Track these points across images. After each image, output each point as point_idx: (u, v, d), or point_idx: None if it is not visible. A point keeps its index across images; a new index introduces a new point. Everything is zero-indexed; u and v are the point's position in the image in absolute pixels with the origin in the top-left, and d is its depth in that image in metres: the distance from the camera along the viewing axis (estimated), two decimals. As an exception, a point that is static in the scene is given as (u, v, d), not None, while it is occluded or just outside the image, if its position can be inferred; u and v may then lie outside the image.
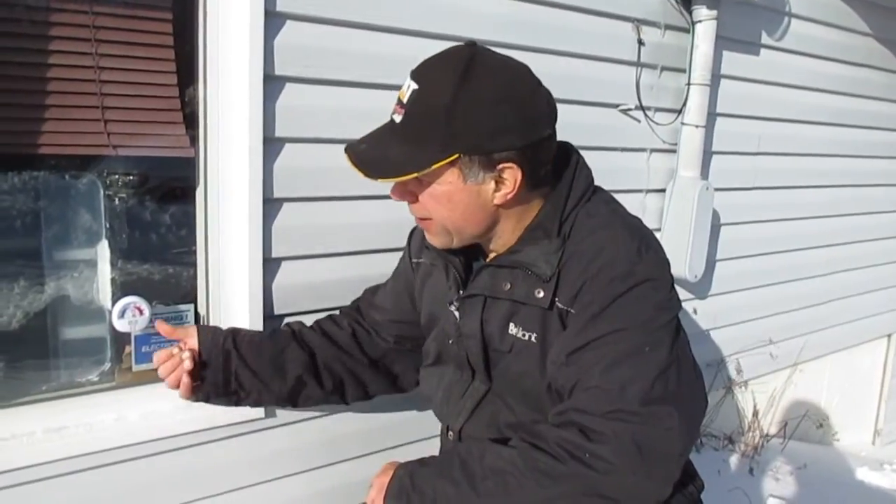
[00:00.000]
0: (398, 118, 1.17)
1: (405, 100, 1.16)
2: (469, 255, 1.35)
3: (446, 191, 1.17)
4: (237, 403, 1.53)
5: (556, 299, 1.18)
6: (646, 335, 1.10)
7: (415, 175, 1.15)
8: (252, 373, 1.49)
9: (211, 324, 1.79)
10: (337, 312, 1.71)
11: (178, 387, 1.44)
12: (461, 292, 1.32)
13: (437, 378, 1.44)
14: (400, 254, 1.66)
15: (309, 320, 1.83)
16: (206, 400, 1.49)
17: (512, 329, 1.24)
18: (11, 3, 1.49)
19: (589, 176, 1.28)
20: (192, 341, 1.47)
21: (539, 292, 1.19)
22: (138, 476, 1.66)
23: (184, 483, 1.74)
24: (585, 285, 1.14)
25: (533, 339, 1.21)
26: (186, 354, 1.43)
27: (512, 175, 1.16)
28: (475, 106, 1.12)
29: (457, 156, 1.13)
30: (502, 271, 1.24)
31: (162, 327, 1.50)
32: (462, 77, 1.12)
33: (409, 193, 1.22)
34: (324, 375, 1.56)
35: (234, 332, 1.53)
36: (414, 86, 1.15)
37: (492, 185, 1.17)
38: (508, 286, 1.23)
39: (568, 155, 1.28)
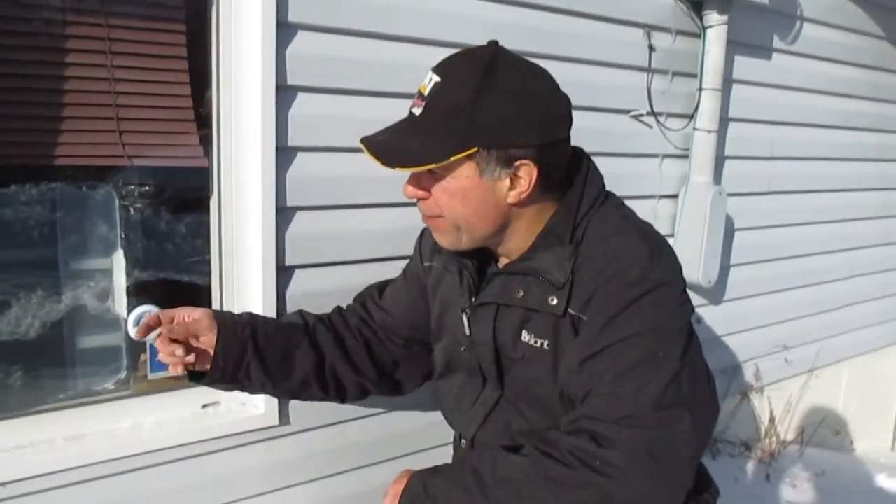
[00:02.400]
0: (418, 111, 1.16)
1: (426, 92, 1.15)
2: (482, 262, 1.35)
3: (461, 186, 1.16)
4: (236, 390, 1.49)
5: (569, 306, 1.17)
6: (659, 340, 1.10)
7: (433, 166, 1.14)
8: (263, 368, 1.43)
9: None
10: (345, 307, 1.65)
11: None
12: (473, 300, 1.32)
13: (448, 385, 1.44)
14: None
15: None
16: (209, 384, 1.43)
17: (524, 336, 1.24)
18: (28, 17, 1.52)
19: (600, 181, 1.28)
20: (209, 338, 1.37)
21: (553, 299, 1.18)
22: (154, 483, 1.68)
23: (198, 490, 1.75)
24: (598, 291, 1.14)
25: (545, 346, 1.21)
26: (191, 358, 1.36)
27: (528, 173, 1.15)
28: (498, 100, 1.13)
29: (475, 149, 1.13)
30: (514, 278, 1.24)
31: (179, 318, 1.38)
32: (486, 72, 1.13)
33: (422, 189, 1.21)
34: (330, 383, 1.52)
35: (253, 322, 1.46)
36: (436, 79, 1.15)
37: (507, 182, 1.16)
38: (521, 293, 1.23)
39: (579, 161, 1.27)
